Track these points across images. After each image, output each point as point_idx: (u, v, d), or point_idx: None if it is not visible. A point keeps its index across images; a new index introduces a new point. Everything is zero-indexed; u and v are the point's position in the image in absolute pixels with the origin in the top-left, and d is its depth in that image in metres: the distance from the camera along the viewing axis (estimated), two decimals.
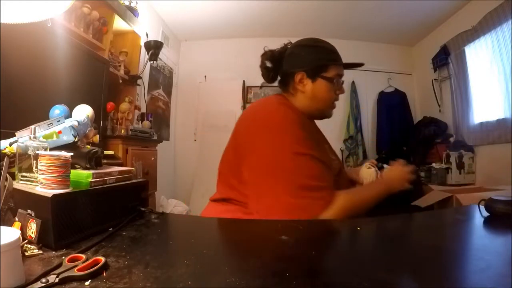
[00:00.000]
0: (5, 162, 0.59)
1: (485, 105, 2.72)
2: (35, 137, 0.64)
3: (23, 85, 1.25)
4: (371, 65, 3.79)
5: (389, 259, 0.53)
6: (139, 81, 2.68)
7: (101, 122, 1.86)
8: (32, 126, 0.66)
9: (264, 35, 3.53)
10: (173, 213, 2.88)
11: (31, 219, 0.51)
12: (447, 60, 3.14)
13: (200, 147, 3.73)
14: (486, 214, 0.77)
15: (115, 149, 2.01)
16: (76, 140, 0.72)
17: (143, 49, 2.67)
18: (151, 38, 2.77)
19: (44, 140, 0.67)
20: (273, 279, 0.41)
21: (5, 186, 0.56)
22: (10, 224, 0.53)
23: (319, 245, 0.62)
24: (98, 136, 1.06)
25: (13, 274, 0.37)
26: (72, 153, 0.58)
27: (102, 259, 0.43)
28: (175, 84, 3.80)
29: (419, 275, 0.45)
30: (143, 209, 0.76)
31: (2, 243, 0.35)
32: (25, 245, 0.48)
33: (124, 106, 2.31)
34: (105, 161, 0.81)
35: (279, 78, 0.99)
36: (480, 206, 0.81)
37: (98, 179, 0.63)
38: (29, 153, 0.60)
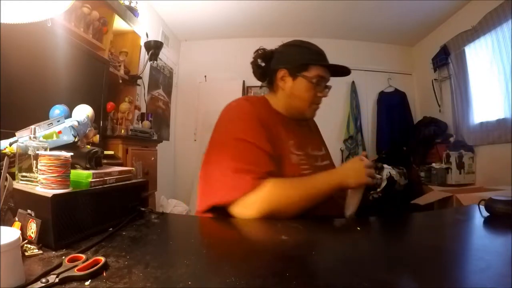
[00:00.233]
0: (5, 162, 0.59)
1: (485, 105, 2.71)
2: (35, 137, 0.64)
3: (23, 85, 1.25)
4: (371, 65, 3.80)
5: (389, 259, 0.53)
6: (139, 81, 2.68)
7: (101, 122, 1.86)
8: (32, 126, 0.66)
9: (264, 35, 3.52)
10: (173, 213, 2.88)
11: (31, 219, 0.51)
12: (447, 60, 3.13)
13: (200, 147, 3.72)
14: (486, 214, 0.77)
15: (115, 149, 2.01)
16: (76, 140, 0.72)
17: (143, 49, 2.67)
18: (151, 38, 2.77)
19: (44, 140, 0.67)
20: (273, 279, 0.41)
21: (5, 186, 0.56)
22: (10, 224, 0.53)
23: (319, 245, 0.62)
24: (98, 136, 1.07)
25: (13, 274, 0.37)
26: (72, 153, 0.58)
27: (102, 259, 0.43)
28: (175, 84, 3.79)
29: (419, 275, 0.45)
30: (143, 209, 0.76)
31: (2, 243, 0.35)
32: (25, 245, 0.48)
33: (124, 106, 2.31)
34: (105, 161, 0.81)
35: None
36: (480, 206, 0.82)
37: (98, 179, 0.63)
38: (29, 153, 0.60)
